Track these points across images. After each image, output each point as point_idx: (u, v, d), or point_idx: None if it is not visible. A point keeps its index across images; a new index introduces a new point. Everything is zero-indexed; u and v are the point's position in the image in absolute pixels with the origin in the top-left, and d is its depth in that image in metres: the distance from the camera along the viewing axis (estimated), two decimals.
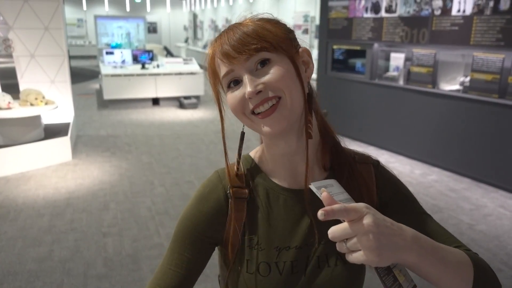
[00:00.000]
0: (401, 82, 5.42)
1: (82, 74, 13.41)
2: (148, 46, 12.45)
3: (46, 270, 2.89)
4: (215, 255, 0.97)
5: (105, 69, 8.54)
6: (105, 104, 8.57)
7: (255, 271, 0.82)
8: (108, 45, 12.50)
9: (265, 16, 0.81)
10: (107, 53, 9.02)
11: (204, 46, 16.20)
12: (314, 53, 7.92)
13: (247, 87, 0.75)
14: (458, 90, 4.83)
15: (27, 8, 5.30)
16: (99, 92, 9.66)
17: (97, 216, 3.72)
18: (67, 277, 2.82)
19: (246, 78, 0.76)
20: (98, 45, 13.45)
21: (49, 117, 5.58)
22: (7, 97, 4.71)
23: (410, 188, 3.69)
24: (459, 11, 4.59)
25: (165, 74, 8.62)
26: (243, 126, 0.84)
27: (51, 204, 3.93)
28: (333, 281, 0.83)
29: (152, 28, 20.52)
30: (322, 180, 0.67)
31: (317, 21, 7.96)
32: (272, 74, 0.76)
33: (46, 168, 4.85)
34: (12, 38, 5.28)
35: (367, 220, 0.60)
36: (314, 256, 0.83)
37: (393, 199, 0.88)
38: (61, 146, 5.09)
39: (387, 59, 5.72)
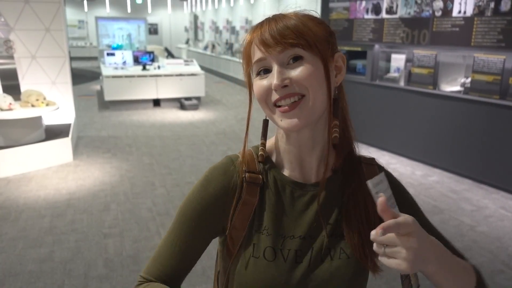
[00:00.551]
0: (402, 83, 5.42)
1: (83, 76, 13.43)
2: (149, 48, 12.46)
3: (47, 271, 2.89)
4: (213, 254, 0.97)
5: (106, 70, 8.55)
6: (106, 105, 8.58)
7: (261, 255, 0.83)
8: (109, 46, 12.49)
9: (311, 13, 0.82)
10: (108, 54, 9.04)
11: (205, 48, 16.22)
12: None
13: (274, 79, 0.77)
14: (459, 91, 4.83)
15: (28, 9, 5.31)
16: (100, 94, 9.67)
17: (98, 217, 3.72)
18: (67, 278, 2.82)
19: (275, 70, 0.78)
20: (99, 46, 13.45)
21: (50, 118, 5.58)
22: (8, 98, 4.71)
23: (411, 190, 3.68)
24: (459, 12, 4.59)
25: (166, 75, 8.63)
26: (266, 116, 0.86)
27: (52, 205, 3.94)
28: (334, 275, 0.84)
29: (153, 30, 20.55)
30: (376, 176, 0.68)
31: None
32: (300, 71, 0.77)
33: (47, 169, 4.86)
34: (13, 40, 5.29)
35: (413, 237, 0.65)
36: (318, 248, 0.85)
37: (400, 205, 0.88)
38: (62, 147, 5.10)
39: (388, 60, 5.72)
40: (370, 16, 5.70)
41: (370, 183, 0.67)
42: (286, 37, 0.76)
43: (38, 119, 4.95)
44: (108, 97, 8.25)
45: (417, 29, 5.08)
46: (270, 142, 0.93)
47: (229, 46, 13.86)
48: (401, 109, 5.43)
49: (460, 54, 4.90)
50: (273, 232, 0.85)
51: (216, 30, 15.78)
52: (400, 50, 5.50)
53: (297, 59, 0.78)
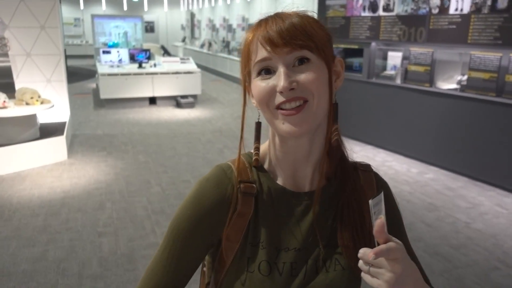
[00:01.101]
0: (398, 81, 5.41)
1: (79, 74, 13.37)
2: (145, 46, 12.41)
3: (41, 270, 2.87)
4: None
5: (101, 68, 8.51)
6: (101, 103, 8.54)
7: (256, 269, 0.80)
8: (105, 44, 12.44)
9: (310, 14, 0.80)
10: (103, 52, 8.99)
11: (202, 46, 16.17)
12: None
13: (281, 81, 0.74)
14: (455, 89, 4.82)
15: (23, 7, 5.27)
16: (96, 92, 9.63)
17: (93, 216, 3.69)
18: (61, 278, 2.80)
19: (282, 71, 0.74)
20: (95, 44, 13.39)
21: (45, 117, 5.55)
22: (3, 96, 4.68)
23: (407, 187, 3.69)
24: (456, 9, 4.58)
25: (162, 73, 8.60)
26: (258, 116, 0.83)
27: (46, 204, 3.91)
28: (330, 286, 0.82)
29: (149, 28, 20.48)
30: (377, 195, 0.70)
31: None
32: (307, 75, 0.75)
33: (41, 168, 4.83)
34: (8, 37, 5.25)
35: (399, 263, 0.67)
36: (313, 260, 0.83)
37: (388, 221, 0.87)
38: (57, 146, 5.07)
39: (385, 58, 5.71)
40: (366, 13, 5.69)
41: (371, 202, 0.68)
42: (296, 38, 0.74)
43: (33, 117, 4.91)
44: (103, 95, 8.22)
45: (414, 27, 5.07)
46: (262, 148, 0.89)
47: (226, 44, 13.82)
48: (397, 107, 5.42)
49: (456, 52, 4.89)
50: (268, 245, 0.82)
51: (213, 28, 15.74)
52: (396, 47, 5.49)
53: (303, 61, 0.75)
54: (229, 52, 13.27)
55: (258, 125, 0.85)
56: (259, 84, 0.77)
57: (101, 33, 13.63)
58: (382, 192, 0.71)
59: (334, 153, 0.86)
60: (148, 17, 20.00)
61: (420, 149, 5.18)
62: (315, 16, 0.81)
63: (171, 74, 8.64)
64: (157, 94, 8.63)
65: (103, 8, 17.74)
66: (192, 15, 18.77)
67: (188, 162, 5.18)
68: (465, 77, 4.66)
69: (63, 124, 5.57)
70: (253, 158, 0.86)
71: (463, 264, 3.00)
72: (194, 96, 9.00)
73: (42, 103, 4.95)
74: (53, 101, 5.18)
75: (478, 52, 4.42)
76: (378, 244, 0.68)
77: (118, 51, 9.10)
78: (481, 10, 4.33)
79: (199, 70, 8.98)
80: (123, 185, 4.40)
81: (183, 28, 20.90)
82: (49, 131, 5.22)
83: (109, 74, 8.18)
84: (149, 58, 9.24)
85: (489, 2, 4.25)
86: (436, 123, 4.94)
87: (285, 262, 0.81)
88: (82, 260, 3.00)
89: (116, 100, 8.39)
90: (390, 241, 0.68)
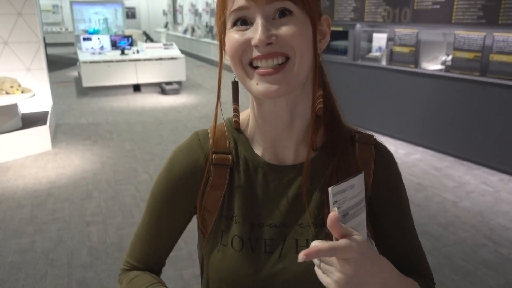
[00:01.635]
0: (383, 63, 5.42)
1: (60, 62, 13.08)
2: (127, 32, 12.17)
3: (29, 261, 2.83)
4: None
5: (83, 56, 8.33)
6: (84, 91, 8.38)
7: (229, 243, 0.78)
8: (85, 31, 12.17)
9: None
10: (84, 39, 8.79)
11: (185, 31, 15.94)
12: None
13: (258, 33, 0.66)
14: (440, 69, 4.84)
15: None
16: (78, 80, 9.44)
17: (80, 205, 3.64)
18: (50, 268, 2.76)
19: (259, 23, 0.66)
20: (75, 31, 13.09)
21: (26, 106, 5.42)
22: None
23: None
24: None
25: (145, 60, 8.45)
26: (234, 76, 0.75)
27: (32, 195, 3.84)
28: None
29: (130, 14, 20.08)
30: (344, 181, 0.60)
31: None
32: (289, 28, 0.67)
33: (25, 158, 4.73)
34: None
35: (350, 265, 0.59)
36: (291, 238, 0.77)
37: (388, 195, 0.83)
38: (40, 135, 4.96)
39: (370, 40, 5.70)
40: None
41: (330, 191, 0.59)
42: None
43: (14, 107, 4.79)
44: (86, 83, 8.05)
45: (398, 8, 5.05)
46: (244, 114, 0.83)
47: (209, 29, 13.64)
48: (383, 88, 5.44)
49: (441, 32, 4.90)
50: (242, 220, 0.78)
51: (196, 13, 15.50)
52: (381, 29, 5.48)
53: (284, 14, 0.67)
54: (213, 37, 13.11)
55: (235, 84, 0.76)
56: (233, 36, 0.69)
57: (81, 20, 13.33)
58: (359, 176, 0.64)
59: (327, 124, 0.79)
60: (128, 3, 19.59)
61: (407, 130, 5.21)
62: None
63: (155, 60, 8.50)
64: (141, 81, 8.49)
65: None
66: (174, 0, 18.44)
67: None
68: (450, 57, 4.68)
69: (46, 113, 5.45)
70: (233, 120, 0.80)
71: (451, 242, 3.05)
72: (179, 83, 8.89)
73: (22, 92, 4.82)
74: (34, 90, 5.05)
75: (462, 32, 4.43)
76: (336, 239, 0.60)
77: (98, 38, 8.90)
78: None
79: (183, 56, 8.85)
80: (110, 174, 4.34)
81: (165, 13, 20.55)
82: (31, 120, 5.11)
83: (91, 62, 8.00)
84: (131, 44, 9.07)
85: None
86: (422, 104, 4.97)
87: (259, 239, 0.77)
88: (71, 250, 2.96)
89: (99, 88, 8.24)
90: (346, 236, 0.59)
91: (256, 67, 0.69)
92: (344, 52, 5.93)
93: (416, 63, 5.00)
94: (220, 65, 0.77)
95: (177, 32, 17.32)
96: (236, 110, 0.80)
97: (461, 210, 3.53)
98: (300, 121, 0.77)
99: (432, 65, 4.99)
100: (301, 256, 0.57)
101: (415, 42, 4.96)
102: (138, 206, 3.63)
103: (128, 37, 9.16)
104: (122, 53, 8.56)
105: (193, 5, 15.89)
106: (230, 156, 0.79)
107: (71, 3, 13.36)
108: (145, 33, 12.45)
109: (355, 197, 0.63)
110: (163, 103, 7.74)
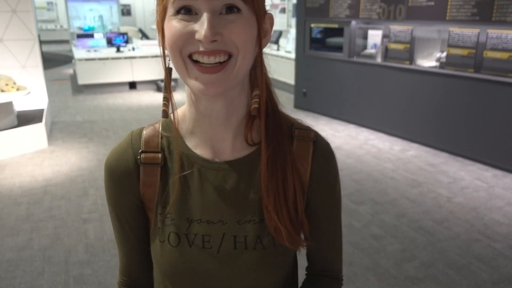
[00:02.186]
0: (378, 60, 5.44)
1: (55, 59, 13.03)
2: (122, 29, 12.13)
3: (26, 259, 2.83)
4: None
5: (78, 53, 8.30)
6: (80, 89, 8.36)
7: (166, 239, 0.78)
8: (80, 28, 12.12)
9: None
10: (78, 36, 8.75)
11: None
12: (292, 32, 7.86)
13: (204, 28, 0.63)
14: (435, 66, 4.87)
15: None
16: (73, 77, 9.41)
17: (77, 203, 3.65)
18: (48, 265, 2.77)
19: (206, 18, 0.63)
20: (70, 29, 13.02)
21: (22, 104, 5.40)
22: None
23: (390, 164, 3.73)
24: None
25: (141, 57, 8.43)
26: (169, 60, 0.71)
27: (28, 192, 3.84)
28: (249, 265, 0.77)
29: (126, 11, 19.98)
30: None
31: (294, 0, 7.87)
32: (236, 26, 0.65)
33: (21, 156, 4.72)
34: None
35: None
36: (229, 234, 0.77)
37: (322, 192, 0.83)
38: (36, 133, 4.95)
39: (365, 37, 5.72)
40: None
41: None
42: None
43: (9, 104, 4.78)
44: (81, 80, 8.03)
45: (393, 4, 5.07)
46: (183, 108, 0.81)
47: None
48: (378, 85, 5.46)
49: (435, 29, 4.93)
50: (177, 217, 0.78)
51: None
52: (376, 26, 5.49)
53: (232, 11, 0.65)
54: None
55: (169, 71, 0.73)
56: (174, 25, 0.66)
57: (76, 17, 13.26)
58: None
59: (264, 119, 0.77)
60: (124, 0, 19.51)
61: (402, 127, 5.24)
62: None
63: (151, 58, 8.48)
64: (136, 78, 8.48)
65: None
66: None
67: None
68: (444, 54, 4.71)
69: (41, 111, 5.44)
70: (162, 109, 0.75)
71: (445, 237, 3.08)
72: (175, 80, 8.87)
73: (18, 89, 4.81)
74: (29, 88, 5.05)
75: (456, 29, 4.46)
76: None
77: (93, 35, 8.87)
78: None
79: None
80: None
81: None
82: (27, 118, 5.10)
83: (86, 59, 7.98)
84: (127, 41, 9.04)
85: None
86: (416, 101, 5.00)
87: (197, 234, 0.77)
88: (68, 247, 2.97)
89: (95, 86, 8.22)
90: None
91: (196, 61, 0.67)
92: (339, 49, 5.94)
93: (411, 60, 5.03)
94: (164, 55, 0.73)
95: None
96: (166, 99, 0.75)
97: (455, 206, 3.56)
98: (236, 116, 0.76)
99: (427, 62, 5.02)
100: None
101: (410, 39, 4.98)
102: None
103: (123, 34, 9.13)
104: (118, 50, 8.54)
105: None
106: (160, 154, 0.79)
107: (66, 0, 13.29)
108: (140, 30, 12.42)
109: None
110: (159, 101, 7.73)
